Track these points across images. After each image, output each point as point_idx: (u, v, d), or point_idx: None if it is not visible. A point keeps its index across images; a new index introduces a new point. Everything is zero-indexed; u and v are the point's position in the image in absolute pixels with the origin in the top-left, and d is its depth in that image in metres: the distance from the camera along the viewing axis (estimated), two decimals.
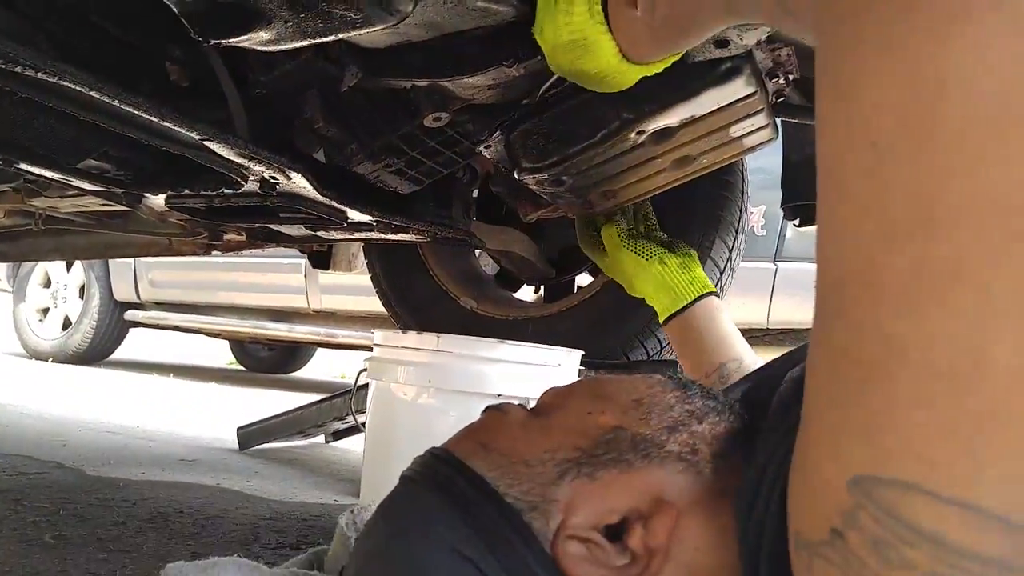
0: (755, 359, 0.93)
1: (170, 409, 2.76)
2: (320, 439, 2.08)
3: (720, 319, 0.96)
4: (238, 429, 1.89)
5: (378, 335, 1.14)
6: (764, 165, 1.73)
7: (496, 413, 0.52)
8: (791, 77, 0.94)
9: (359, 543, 0.49)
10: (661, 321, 0.99)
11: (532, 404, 0.54)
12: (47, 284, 4.54)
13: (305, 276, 3.75)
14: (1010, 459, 0.26)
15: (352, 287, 3.56)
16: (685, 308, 0.96)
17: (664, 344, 1.41)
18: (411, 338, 1.08)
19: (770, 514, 0.38)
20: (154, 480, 1.45)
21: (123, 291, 4.30)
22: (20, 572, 0.85)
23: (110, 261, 4.31)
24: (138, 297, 4.29)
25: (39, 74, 0.63)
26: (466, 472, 0.46)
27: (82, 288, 4.41)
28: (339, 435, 2.02)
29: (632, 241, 1.03)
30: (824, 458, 0.30)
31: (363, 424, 1.14)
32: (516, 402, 0.54)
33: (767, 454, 0.41)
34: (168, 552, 0.97)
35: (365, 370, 1.16)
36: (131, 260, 4.24)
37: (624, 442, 0.46)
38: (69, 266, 4.48)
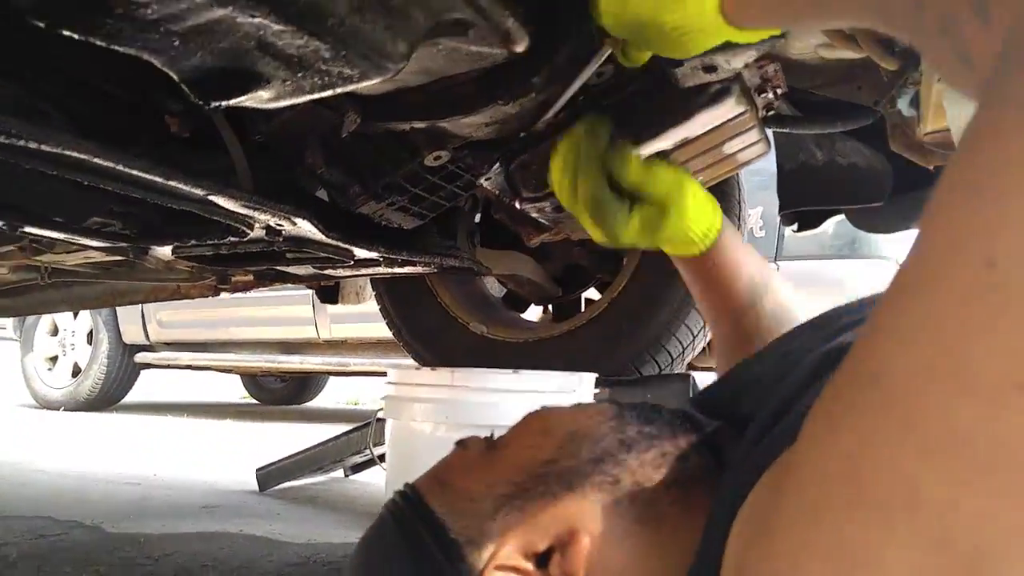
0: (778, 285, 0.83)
1: (186, 452, 2.76)
2: (339, 473, 2.08)
3: (744, 246, 0.83)
4: (257, 470, 1.89)
5: (392, 374, 1.15)
6: (761, 167, 1.74)
7: (459, 450, 0.57)
8: (779, 91, 0.95)
9: (344, 570, 0.58)
10: (706, 247, 0.78)
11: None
12: (54, 332, 4.56)
13: (314, 307, 3.77)
14: None
15: (361, 314, 3.56)
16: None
17: (675, 357, 1.42)
18: (425, 375, 1.09)
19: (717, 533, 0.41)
20: (175, 533, 1.45)
21: (132, 334, 4.32)
22: None
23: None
24: (147, 339, 4.31)
25: (42, 146, 0.64)
26: (421, 509, 0.52)
27: (90, 334, 4.43)
28: (358, 468, 2.02)
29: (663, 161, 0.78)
30: (783, 548, 0.31)
31: (380, 457, 1.14)
32: (484, 434, 0.58)
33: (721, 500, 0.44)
34: None
35: (382, 409, 1.17)
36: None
37: (552, 475, 0.50)
38: (76, 313, 4.50)
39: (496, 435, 0.58)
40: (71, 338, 4.49)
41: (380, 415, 1.22)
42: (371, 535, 0.55)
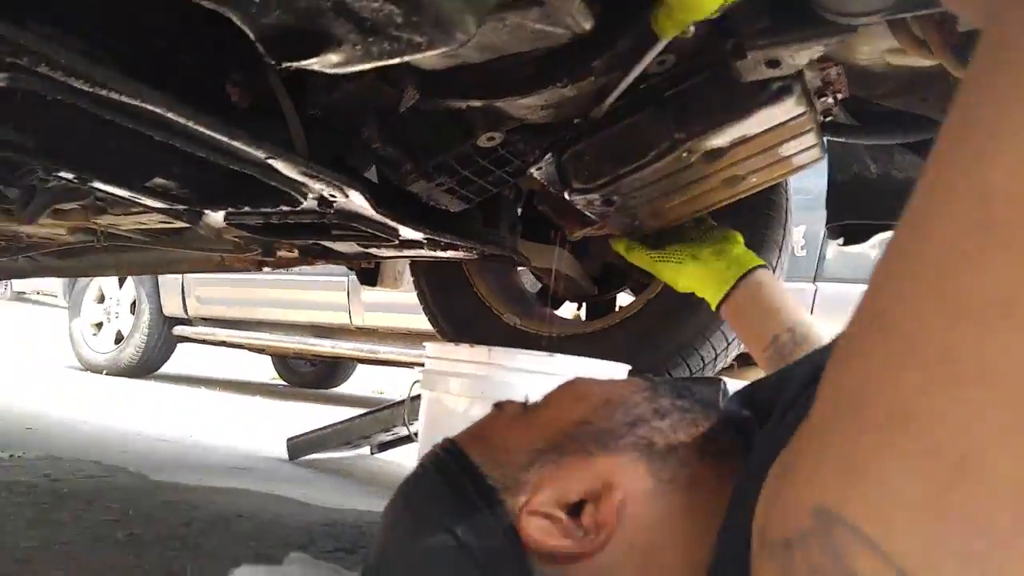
0: (811, 322, 0.95)
1: (220, 421, 2.83)
2: (365, 451, 2.12)
3: (766, 293, 0.99)
4: (288, 440, 1.93)
5: (431, 348, 1.17)
6: (804, 186, 1.73)
7: (496, 410, 0.61)
8: (839, 96, 0.94)
9: (383, 515, 0.59)
10: (714, 309, 1.02)
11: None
12: (101, 299, 4.70)
13: (348, 294, 3.82)
14: (971, 560, 0.26)
15: (394, 305, 3.61)
16: (729, 293, 0.99)
17: (707, 362, 1.41)
18: (463, 351, 1.10)
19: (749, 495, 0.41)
20: (212, 486, 1.49)
21: (172, 307, 4.42)
22: (96, 567, 0.90)
23: (160, 278, 4.45)
24: (186, 313, 4.41)
25: (121, 96, 0.67)
26: (461, 459, 0.55)
27: (133, 304, 4.55)
28: (384, 447, 2.05)
29: (658, 252, 1.07)
30: (803, 475, 0.32)
31: (415, 434, 1.15)
32: (519, 399, 0.61)
33: (764, 446, 0.44)
34: (231, 552, 1.01)
35: (418, 381, 1.19)
36: (179, 277, 4.37)
37: (587, 435, 0.52)
38: (122, 282, 4.63)
39: (531, 400, 0.60)
40: (116, 306, 4.62)
41: (416, 392, 1.23)
42: (412, 480, 0.58)
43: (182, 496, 1.36)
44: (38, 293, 11.09)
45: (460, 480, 0.53)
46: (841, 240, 1.29)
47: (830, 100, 0.94)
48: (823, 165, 1.26)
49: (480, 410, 1.12)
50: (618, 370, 1.14)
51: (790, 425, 0.43)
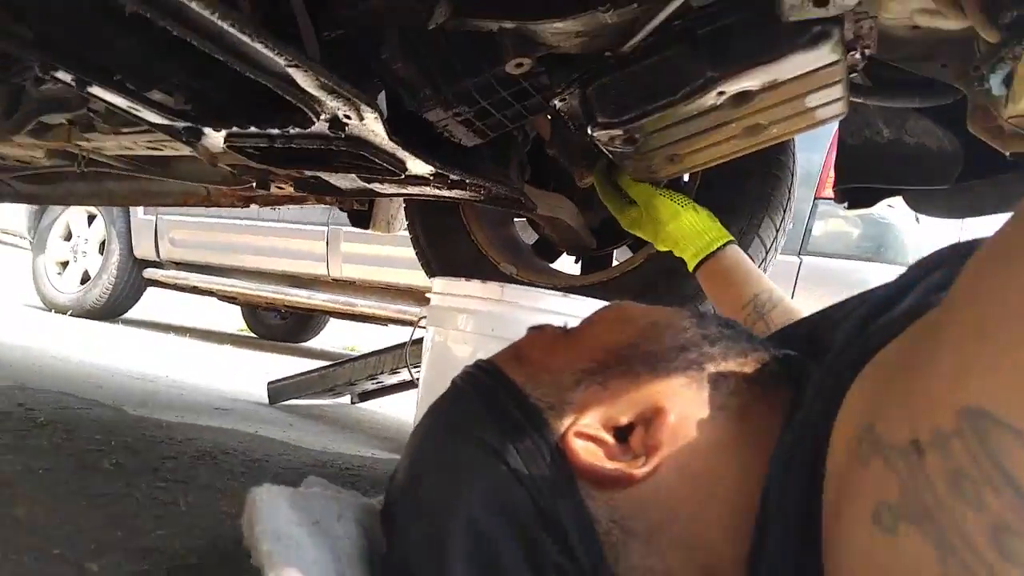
0: (773, 287, 0.99)
1: (194, 364, 2.78)
2: (345, 400, 2.09)
3: (744, 259, 1.03)
4: (269, 383, 1.90)
5: (439, 283, 1.14)
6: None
7: (534, 332, 0.59)
8: (867, 52, 0.93)
9: (411, 435, 0.56)
10: (691, 267, 1.06)
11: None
12: (68, 237, 4.56)
13: (327, 244, 3.76)
14: None
15: (374, 257, 3.57)
16: (715, 252, 1.03)
17: None
18: (475, 286, 1.08)
19: (815, 410, 0.41)
20: (193, 423, 1.46)
21: (143, 248, 4.32)
22: (87, 493, 0.87)
23: (132, 218, 4.33)
24: (158, 255, 4.31)
25: None
26: (500, 377, 0.53)
27: (102, 243, 4.43)
28: (365, 396, 2.03)
29: (665, 189, 1.08)
30: (944, 373, 0.30)
31: (418, 379, 1.14)
32: (559, 323, 0.60)
33: (828, 372, 0.44)
34: (223, 485, 0.98)
35: (424, 317, 1.16)
36: (152, 218, 4.26)
37: (636, 357, 0.51)
38: (91, 220, 4.49)
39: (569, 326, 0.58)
40: (84, 245, 4.49)
41: (422, 325, 1.21)
42: (444, 400, 0.55)
43: (165, 432, 1.32)
44: (2, 232, 10.72)
45: (500, 398, 0.51)
46: (846, 204, 1.29)
47: (858, 55, 0.93)
48: (813, 137, 1.25)
49: (487, 352, 1.11)
50: None
51: (864, 346, 0.42)
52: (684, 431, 0.47)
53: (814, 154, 2.58)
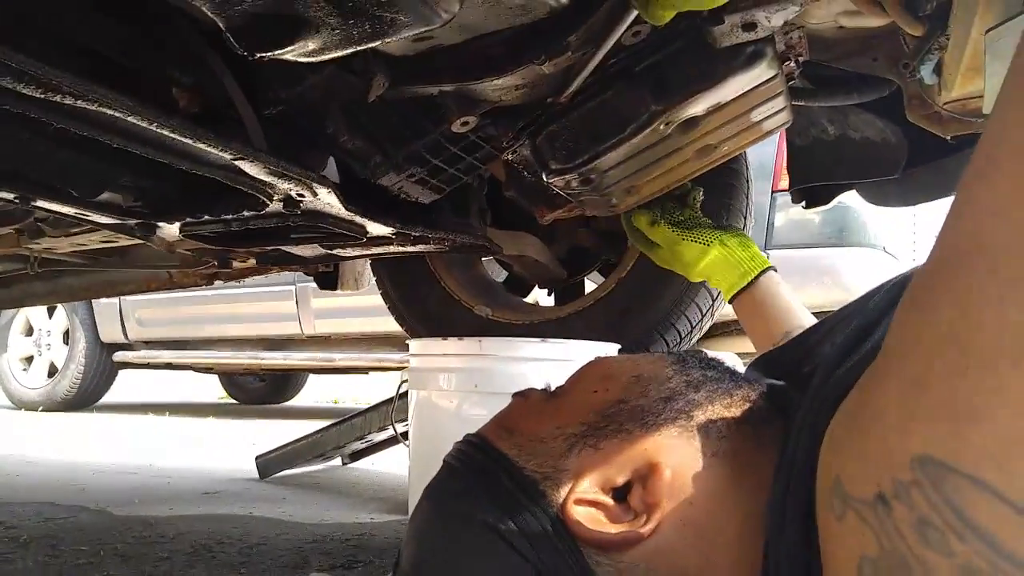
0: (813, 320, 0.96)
1: (177, 446, 2.71)
2: (336, 462, 2.06)
3: (781, 291, 1.01)
4: (257, 458, 1.86)
5: (416, 345, 1.13)
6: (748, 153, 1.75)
7: (519, 399, 0.58)
8: (801, 60, 0.95)
9: (410, 521, 0.55)
10: (727, 299, 1.04)
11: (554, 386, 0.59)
12: (29, 332, 4.45)
13: (296, 302, 3.72)
14: None
15: (346, 309, 3.53)
16: (751, 283, 1.00)
17: (683, 335, 1.42)
18: (452, 344, 1.07)
19: (800, 451, 0.42)
20: (184, 515, 1.42)
21: (110, 332, 4.23)
22: None
23: (95, 303, 4.24)
24: (126, 337, 4.22)
25: (78, 102, 0.62)
26: (492, 452, 0.52)
27: (66, 333, 4.33)
28: (355, 456, 2.00)
29: (688, 231, 1.06)
30: (893, 425, 0.31)
31: (403, 435, 1.12)
32: (541, 386, 0.58)
33: (809, 409, 0.44)
34: None
35: (405, 381, 1.15)
36: (116, 301, 4.18)
37: (624, 414, 0.50)
38: (51, 312, 4.40)
39: (553, 387, 0.58)
40: (47, 338, 4.38)
41: (404, 389, 1.19)
42: (439, 481, 0.54)
43: (155, 530, 1.28)
44: None
45: (494, 474, 0.50)
46: (804, 203, 1.31)
47: (792, 64, 0.95)
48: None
49: (472, 405, 1.11)
50: (610, 349, 1.13)
51: (840, 383, 0.42)
52: (681, 484, 0.47)
53: (767, 147, 2.62)
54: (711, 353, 0.62)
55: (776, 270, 1.04)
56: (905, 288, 0.51)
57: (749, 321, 1.03)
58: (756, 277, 1.01)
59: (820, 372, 0.49)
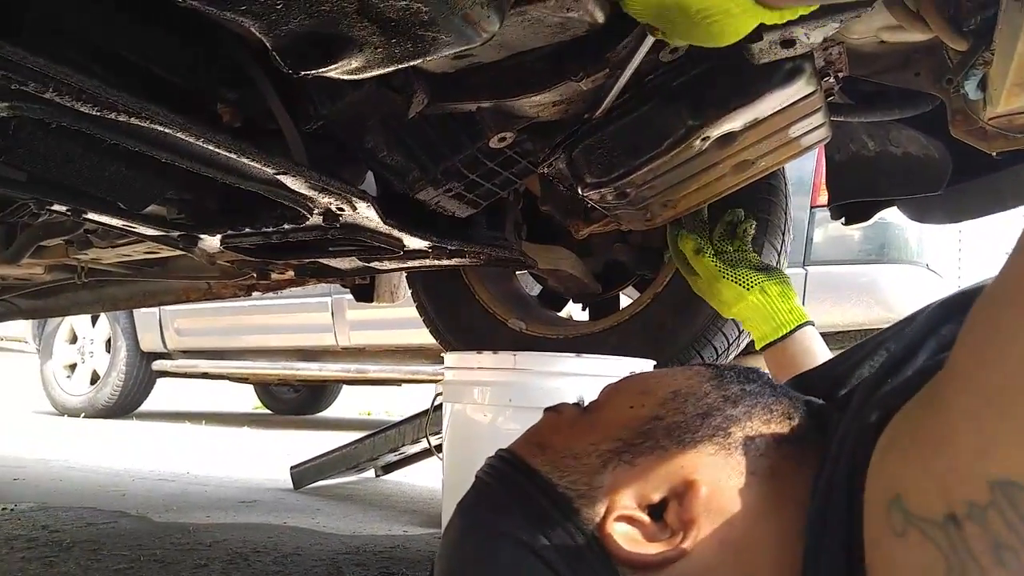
0: None
1: (214, 455, 2.76)
2: (369, 474, 2.07)
3: (815, 350, 0.98)
4: (291, 468, 1.88)
5: (451, 358, 1.14)
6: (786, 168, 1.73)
7: (552, 414, 0.57)
8: (840, 75, 0.95)
9: (443, 536, 0.55)
10: (758, 348, 1.02)
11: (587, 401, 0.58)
12: (73, 340, 4.58)
13: (332, 314, 3.76)
14: None
15: (381, 321, 3.56)
16: (783, 337, 0.98)
17: (720, 352, 1.40)
18: (487, 358, 1.07)
19: (840, 471, 0.41)
20: (221, 523, 1.44)
21: (149, 341, 4.33)
22: None
23: (135, 313, 4.35)
24: (165, 347, 4.32)
25: (132, 118, 0.64)
26: (525, 469, 0.51)
27: (108, 341, 4.44)
28: (389, 468, 2.01)
29: (731, 269, 1.05)
30: (968, 446, 0.31)
31: (436, 447, 1.12)
32: (573, 401, 0.58)
33: (848, 429, 0.43)
34: None
35: (440, 394, 1.16)
36: (156, 311, 4.27)
37: (660, 431, 0.50)
38: (95, 320, 4.52)
39: (586, 401, 0.58)
40: (90, 346, 4.50)
41: (439, 402, 1.20)
42: (472, 497, 0.54)
43: (192, 537, 1.31)
44: (3, 340, 10.76)
45: (528, 491, 0.50)
46: (843, 220, 1.29)
47: (832, 80, 0.94)
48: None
49: (506, 419, 1.11)
50: (645, 366, 1.13)
51: (881, 404, 0.41)
52: (718, 502, 0.46)
53: (806, 161, 2.59)
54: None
55: (814, 324, 1.01)
56: (943, 314, 0.50)
57: (777, 373, 1.00)
58: (789, 333, 0.98)
59: (860, 393, 0.48)
